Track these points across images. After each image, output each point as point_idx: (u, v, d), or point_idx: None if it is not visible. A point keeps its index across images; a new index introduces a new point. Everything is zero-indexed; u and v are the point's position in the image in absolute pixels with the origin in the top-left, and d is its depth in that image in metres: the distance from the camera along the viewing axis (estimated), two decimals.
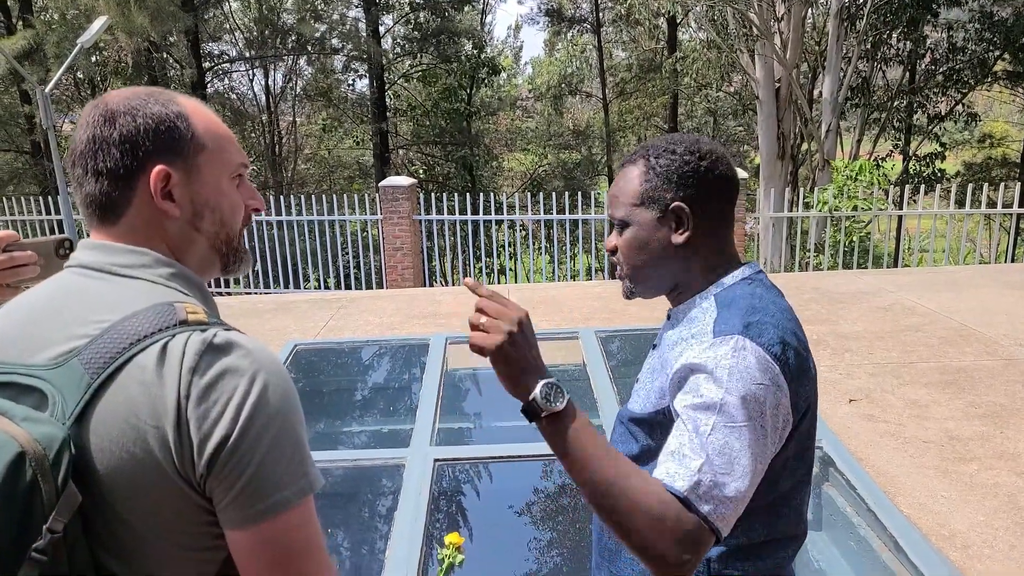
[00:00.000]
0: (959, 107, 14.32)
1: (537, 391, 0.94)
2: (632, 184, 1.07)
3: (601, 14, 20.08)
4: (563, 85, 21.74)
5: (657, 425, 1.05)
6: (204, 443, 0.73)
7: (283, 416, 0.77)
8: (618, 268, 1.13)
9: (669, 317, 1.14)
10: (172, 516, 0.75)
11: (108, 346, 0.74)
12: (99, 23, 7.89)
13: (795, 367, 0.97)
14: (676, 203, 1.04)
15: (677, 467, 0.92)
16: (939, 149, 14.44)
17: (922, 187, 7.77)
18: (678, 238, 1.05)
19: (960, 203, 7.83)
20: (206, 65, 17.15)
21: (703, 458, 0.91)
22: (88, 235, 0.88)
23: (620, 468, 0.93)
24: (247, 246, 0.96)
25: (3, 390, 0.75)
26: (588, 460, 0.93)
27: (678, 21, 17.98)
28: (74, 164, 0.84)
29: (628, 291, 1.13)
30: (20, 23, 13.93)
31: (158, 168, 0.82)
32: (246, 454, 0.73)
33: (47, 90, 7.99)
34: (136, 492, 0.74)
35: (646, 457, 1.06)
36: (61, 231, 8.76)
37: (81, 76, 16.25)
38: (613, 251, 1.12)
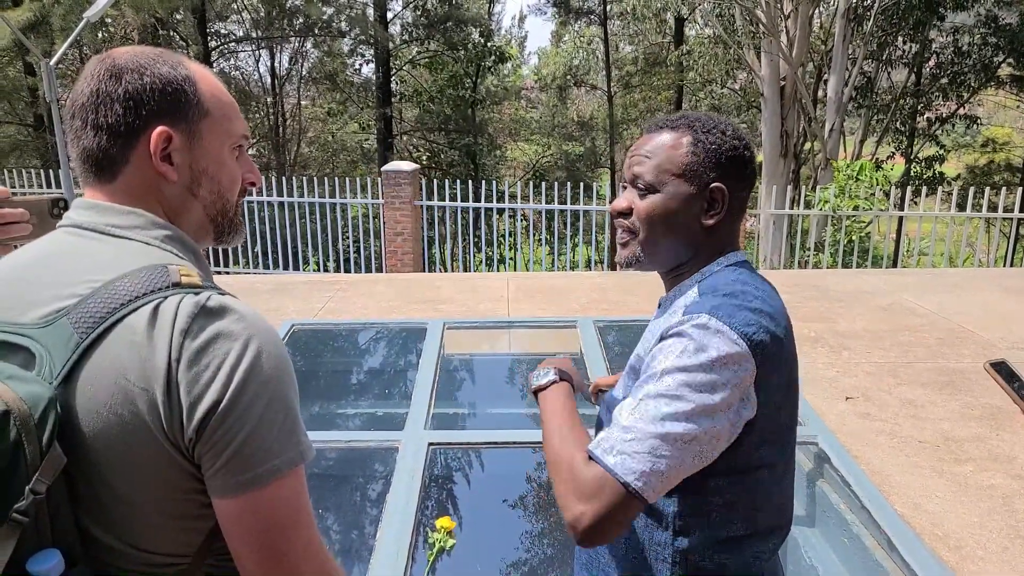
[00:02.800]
0: (962, 111, 14.31)
1: (534, 373, 1.14)
2: (676, 152, 1.02)
3: (608, 7, 19.98)
4: (568, 76, 21.66)
5: None
6: (194, 407, 0.71)
7: (276, 383, 0.75)
8: (620, 232, 1.07)
9: (660, 305, 1.13)
10: (159, 482, 0.74)
11: (98, 306, 0.73)
12: None
13: (768, 350, 0.93)
14: (717, 184, 1.02)
15: (604, 432, 0.94)
16: (940, 152, 14.43)
17: (923, 189, 7.76)
18: (708, 220, 1.03)
19: (961, 206, 7.81)
20: (212, 44, 17.05)
21: (624, 422, 0.91)
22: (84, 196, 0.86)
23: (564, 437, 0.98)
24: (243, 219, 0.95)
25: None
26: (547, 429, 1.03)
27: (685, 18, 17.91)
28: (73, 116, 0.82)
29: (634, 257, 1.06)
30: None
31: (160, 129, 0.81)
32: (237, 420, 0.72)
33: (52, 63, 7.93)
34: (122, 455, 0.72)
35: None
36: None
37: (87, 51, 16.14)
38: (626, 212, 1.06)
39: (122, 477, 0.73)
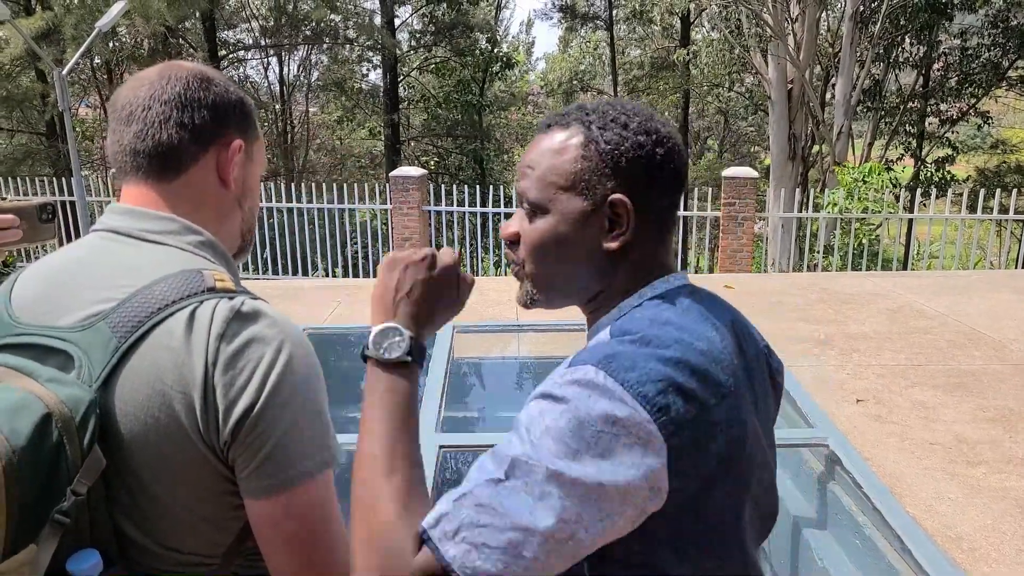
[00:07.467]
0: (971, 112, 14.26)
1: (373, 332, 0.77)
2: (563, 159, 0.79)
3: (614, 11, 20.02)
4: (575, 81, 21.71)
5: None
6: (230, 410, 0.72)
7: (307, 387, 0.77)
8: (511, 264, 0.85)
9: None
10: (194, 484, 0.75)
11: (136, 310, 0.74)
12: (117, 7, 7.91)
13: (682, 415, 0.67)
14: (616, 196, 0.77)
15: (447, 502, 0.67)
16: (950, 153, 14.37)
17: (933, 191, 7.73)
18: (611, 243, 0.78)
19: (971, 208, 7.78)
20: (221, 52, 17.19)
21: (480, 495, 0.65)
22: (118, 200, 0.87)
23: (388, 465, 0.71)
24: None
25: (28, 351, 0.74)
26: (368, 429, 0.74)
27: (691, 20, 17.92)
28: (148, 108, 0.82)
29: (528, 298, 0.83)
30: (39, 4, 13.99)
31: (238, 141, 0.86)
32: (271, 423, 0.73)
33: (64, 72, 8.02)
34: (159, 458, 0.73)
35: None
36: (74, 212, 8.80)
37: (98, 60, 16.30)
38: (514, 240, 0.82)
39: (158, 479, 0.74)
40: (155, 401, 0.72)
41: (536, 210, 0.80)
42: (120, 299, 0.75)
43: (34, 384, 0.69)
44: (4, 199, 1.03)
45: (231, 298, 0.77)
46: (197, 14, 14.86)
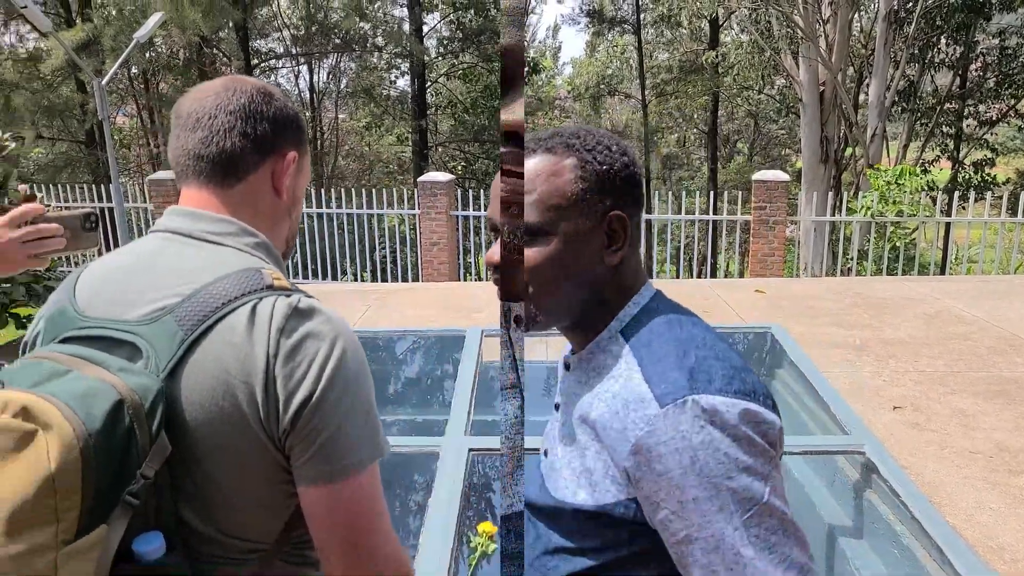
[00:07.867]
0: (1011, 113, 13.89)
1: None
2: (561, 180, 0.82)
3: (642, 15, 19.96)
4: (602, 85, 21.67)
5: (615, 521, 0.80)
6: (289, 400, 0.76)
7: (359, 381, 0.81)
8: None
9: (568, 367, 0.91)
10: (252, 471, 0.79)
11: (201, 305, 0.78)
12: (155, 19, 8.13)
13: (762, 387, 0.78)
14: (615, 212, 0.83)
15: None
16: (989, 155, 14.01)
17: (972, 194, 7.54)
18: (613, 258, 0.84)
19: (1012, 211, 7.57)
20: (254, 61, 17.54)
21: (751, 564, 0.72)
22: (159, 204, 0.91)
23: None
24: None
25: (96, 343, 0.79)
26: None
27: (720, 23, 17.78)
28: (213, 117, 0.87)
29: (529, 319, 0.84)
30: (79, 16, 14.43)
31: (293, 153, 0.92)
32: (326, 414, 0.77)
33: (104, 82, 8.25)
34: (222, 445, 0.77)
35: (591, 554, 0.82)
36: (112, 219, 9.04)
37: (135, 71, 16.74)
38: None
39: (220, 466, 0.78)
40: (219, 391, 0.76)
41: (536, 234, 0.82)
42: (185, 295, 0.79)
43: (105, 372, 0.73)
44: (48, 207, 1.07)
45: (288, 295, 0.81)
46: (231, 24, 15.18)
